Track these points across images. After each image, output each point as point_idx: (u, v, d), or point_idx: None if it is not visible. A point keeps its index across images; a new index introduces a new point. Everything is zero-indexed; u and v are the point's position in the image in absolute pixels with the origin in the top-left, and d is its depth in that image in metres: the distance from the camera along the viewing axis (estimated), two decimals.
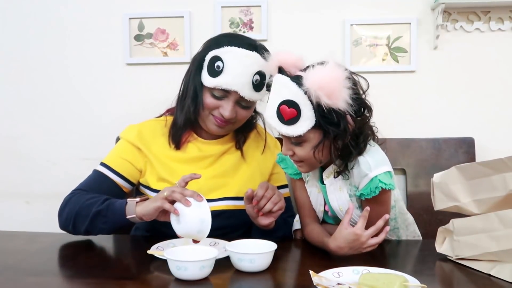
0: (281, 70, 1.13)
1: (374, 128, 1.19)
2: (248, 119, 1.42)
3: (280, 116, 1.11)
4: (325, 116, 1.08)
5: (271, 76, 1.18)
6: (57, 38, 1.85)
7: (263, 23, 1.77)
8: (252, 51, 1.30)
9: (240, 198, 1.36)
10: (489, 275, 1.03)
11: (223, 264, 1.07)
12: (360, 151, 1.15)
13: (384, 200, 1.18)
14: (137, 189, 1.44)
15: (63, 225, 1.30)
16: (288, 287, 1.04)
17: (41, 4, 1.85)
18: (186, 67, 1.40)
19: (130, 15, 1.81)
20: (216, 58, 1.29)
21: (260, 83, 1.31)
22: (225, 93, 1.31)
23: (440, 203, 1.14)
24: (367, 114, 1.16)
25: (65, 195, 1.33)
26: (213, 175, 1.38)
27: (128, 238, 1.42)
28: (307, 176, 1.29)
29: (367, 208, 1.11)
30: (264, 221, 1.25)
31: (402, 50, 1.75)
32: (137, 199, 1.21)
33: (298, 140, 1.13)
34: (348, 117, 1.10)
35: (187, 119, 1.35)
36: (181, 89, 1.38)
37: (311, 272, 0.95)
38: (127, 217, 1.20)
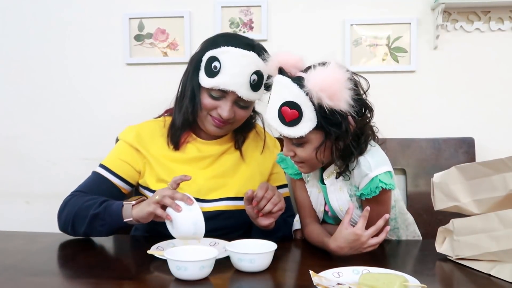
0: (281, 71, 1.12)
1: (374, 128, 1.19)
2: (247, 119, 1.42)
3: (282, 117, 1.11)
4: (327, 117, 1.08)
5: (270, 76, 1.18)
6: (57, 38, 1.85)
7: (263, 23, 1.77)
8: (249, 50, 1.29)
9: (240, 198, 1.36)
10: (489, 275, 1.03)
11: (223, 264, 1.07)
12: (361, 151, 1.15)
13: (384, 200, 1.18)
14: (136, 190, 1.43)
15: (62, 227, 1.30)
16: (288, 287, 1.04)
17: (41, 4, 1.85)
18: (186, 67, 1.40)
19: (130, 15, 1.81)
20: (213, 59, 1.29)
21: (258, 82, 1.31)
22: (222, 94, 1.31)
23: (440, 203, 1.14)
24: (368, 115, 1.16)
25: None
26: (213, 175, 1.38)
27: (128, 238, 1.42)
28: (307, 176, 1.29)
29: (367, 208, 1.11)
30: (264, 221, 1.25)
31: (402, 50, 1.75)
32: (133, 202, 1.21)
33: (300, 141, 1.13)
34: (350, 118, 1.10)
35: (185, 120, 1.35)
36: (179, 89, 1.38)
37: (311, 272, 0.95)
38: (124, 220, 1.20)
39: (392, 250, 1.28)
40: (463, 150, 1.69)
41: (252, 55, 1.29)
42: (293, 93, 1.09)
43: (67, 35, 1.85)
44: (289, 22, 1.77)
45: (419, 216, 1.55)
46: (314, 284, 0.91)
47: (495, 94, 1.73)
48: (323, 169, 1.24)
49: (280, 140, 1.36)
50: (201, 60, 1.32)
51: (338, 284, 0.94)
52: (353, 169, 1.16)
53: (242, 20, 1.78)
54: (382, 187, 1.12)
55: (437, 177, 1.14)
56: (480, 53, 1.73)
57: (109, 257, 1.27)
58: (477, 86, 1.74)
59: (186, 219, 1.11)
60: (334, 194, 1.23)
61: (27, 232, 1.45)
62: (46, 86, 1.87)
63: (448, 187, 1.11)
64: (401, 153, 1.71)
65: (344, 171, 1.18)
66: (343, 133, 1.10)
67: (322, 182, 1.25)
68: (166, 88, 1.43)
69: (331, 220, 1.32)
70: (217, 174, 1.39)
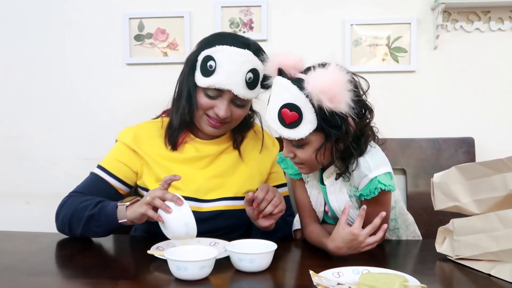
0: (281, 72, 1.12)
1: (374, 128, 1.19)
2: (245, 118, 1.42)
3: (282, 119, 1.11)
4: (327, 119, 1.08)
5: (269, 77, 1.18)
6: (57, 38, 1.85)
7: (263, 23, 1.77)
8: (245, 49, 1.29)
9: (239, 198, 1.36)
10: (489, 275, 1.03)
11: (223, 264, 1.07)
12: (361, 152, 1.15)
13: (384, 201, 1.18)
14: (135, 191, 1.43)
15: (60, 228, 1.30)
16: (288, 287, 1.04)
17: (41, 4, 1.85)
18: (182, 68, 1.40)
19: (130, 15, 1.81)
20: (209, 58, 1.29)
21: (254, 81, 1.31)
22: (219, 93, 1.30)
23: (440, 203, 1.14)
24: (368, 116, 1.16)
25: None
26: (211, 175, 1.38)
27: (127, 238, 1.42)
28: (307, 176, 1.29)
29: (364, 207, 1.11)
30: (265, 223, 1.25)
31: (402, 50, 1.75)
32: (127, 203, 1.20)
33: (300, 143, 1.13)
34: (350, 119, 1.10)
35: (182, 120, 1.35)
36: (176, 90, 1.38)
37: (311, 272, 0.95)
38: (119, 221, 1.20)
39: (392, 250, 1.28)
40: (463, 150, 1.69)
41: (247, 53, 1.29)
42: (293, 95, 1.08)
43: (67, 35, 1.85)
44: (289, 22, 1.77)
45: (419, 216, 1.55)
46: (314, 284, 0.91)
47: (495, 94, 1.73)
48: (323, 169, 1.24)
49: (279, 139, 1.36)
50: (196, 60, 1.32)
51: (338, 284, 0.94)
52: (353, 171, 1.16)
53: (242, 20, 1.78)
54: (381, 188, 1.12)
55: (437, 177, 1.14)
56: (480, 53, 1.73)
57: (109, 257, 1.27)
58: (477, 86, 1.74)
59: (177, 220, 1.11)
60: (334, 194, 1.23)
61: (27, 232, 1.45)
62: (46, 86, 1.87)
63: (448, 187, 1.11)
64: (401, 153, 1.71)
65: (343, 172, 1.17)
66: (343, 135, 1.10)
67: (322, 182, 1.25)
68: (166, 88, 1.43)
69: (331, 220, 1.32)
70: (215, 174, 1.38)
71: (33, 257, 1.18)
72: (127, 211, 1.19)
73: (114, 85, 1.85)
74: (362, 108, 1.13)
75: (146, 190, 1.37)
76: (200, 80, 1.30)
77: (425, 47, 1.74)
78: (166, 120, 1.42)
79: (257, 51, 1.32)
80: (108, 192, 1.34)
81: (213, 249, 1.07)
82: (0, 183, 1.91)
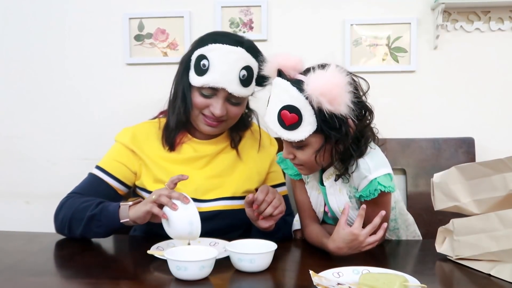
0: (280, 73, 1.12)
1: (374, 129, 1.19)
2: (242, 117, 1.42)
3: (281, 121, 1.10)
4: (327, 121, 1.08)
5: (267, 78, 1.18)
6: (57, 38, 1.85)
7: (263, 23, 1.77)
8: (237, 46, 1.29)
9: (237, 198, 1.36)
10: (489, 275, 1.03)
11: (223, 264, 1.07)
12: (361, 154, 1.15)
13: (384, 202, 1.17)
14: (134, 192, 1.43)
15: (59, 228, 1.30)
16: (288, 287, 1.04)
17: (41, 4, 1.85)
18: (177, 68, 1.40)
19: (130, 15, 1.81)
20: (202, 57, 1.29)
21: (248, 78, 1.31)
22: (213, 91, 1.30)
23: (440, 203, 1.14)
24: (369, 117, 1.16)
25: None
26: (210, 175, 1.38)
27: (127, 238, 1.42)
28: (307, 177, 1.29)
29: (363, 206, 1.11)
30: (264, 224, 1.25)
31: (402, 50, 1.75)
32: (130, 203, 1.20)
33: (300, 144, 1.13)
34: (350, 121, 1.10)
35: (178, 120, 1.35)
36: (172, 91, 1.38)
37: (311, 272, 0.95)
38: (121, 221, 1.20)
39: (392, 250, 1.28)
40: (463, 150, 1.69)
41: (240, 50, 1.29)
42: (292, 96, 1.08)
43: (67, 35, 1.85)
44: (289, 22, 1.77)
45: (419, 216, 1.55)
46: (314, 284, 0.91)
47: (495, 94, 1.73)
48: (322, 170, 1.24)
49: (278, 139, 1.36)
50: (190, 60, 1.32)
51: (338, 284, 0.94)
52: (352, 172, 1.16)
53: (242, 20, 1.78)
54: (380, 190, 1.12)
55: (437, 177, 1.14)
56: (480, 53, 1.73)
57: (108, 257, 1.27)
58: (477, 86, 1.74)
59: (182, 218, 1.10)
60: (334, 195, 1.23)
61: (27, 232, 1.45)
62: (46, 86, 1.87)
63: (448, 187, 1.11)
64: (401, 153, 1.71)
65: (343, 174, 1.17)
66: (343, 137, 1.10)
67: (322, 183, 1.25)
68: (166, 88, 1.43)
69: (331, 221, 1.32)
70: (214, 174, 1.38)
71: (33, 257, 1.18)
72: (130, 211, 1.19)
73: (114, 85, 1.85)
74: (362, 110, 1.13)
75: (145, 190, 1.37)
76: (194, 79, 1.30)
77: (425, 47, 1.74)
78: (163, 120, 1.41)
79: (251, 48, 1.32)
80: (107, 193, 1.34)
81: (213, 249, 1.07)
82: (0, 183, 1.90)
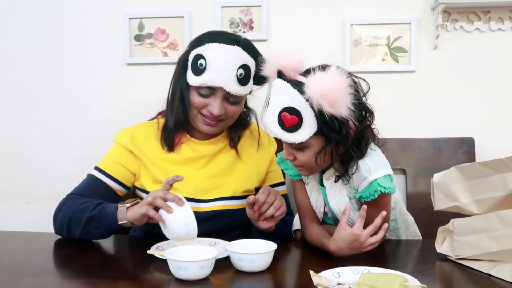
0: (280, 74, 1.12)
1: (374, 130, 1.18)
2: (241, 116, 1.42)
3: (281, 123, 1.10)
4: (327, 123, 1.07)
5: (266, 78, 1.17)
6: (57, 38, 1.85)
7: (263, 23, 1.77)
8: (234, 45, 1.29)
9: (237, 198, 1.36)
10: (489, 275, 1.03)
11: (223, 264, 1.07)
12: (361, 155, 1.14)
13: (384, 203, 1.17)
14: (133, 193, 1.43)
15: (58, 230, 1.30)
16: (288, 287, 1.04)
17: (41, 4, 1.85)
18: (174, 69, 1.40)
19: (130, 15, 1.81)
20: (199, 56, 1.29)
21: (245, 76, 1.31)
22: (211, 91, 1.30)
23: (440, 203, 1.14)
24: (369, 119, 1.15)
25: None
26: (209, 175, 1.38)
27: (127, 238, 1.42)
28: (307, 178, 1.29)
29: (364, 207, 1.11)
30: (265, 225, 1.25)
31: (402, 50, 1.75)
32: (128, 205, 1.20)
33: (300, 146, 1.13)
34: (350, 122, 1.10)
35: (177, 120, 1.35)
36: (169, 91, 1.38)
37: (311, 272, 0.95)
38: (119, 223, 1.19)
39: (392, 250, 1.28)
40: (463, 150, 1.69)
41: (237, 49, 1.29)
42: (293, 98, 1.08)
43: (67, 35, 1.85)
44: (289, 22, 1.77)
45: (419, 216, 1.55)
46: (314, 284, 0.91)
47: (495, 94, 1.74)
48: (322, 171, 1.24)
49: (278, 140, 1.35)
50: (187, 60, 1.32)
51: (338, 284, 0.94)
52: (352, 174, 1.16)
53: (242, 20, 1.78)
54: (381, 191, 1.12)
55: (437, 177, 1.14)
56: (480, 53, 1.73)
57: (109, 257, 1.26)
58: (477, 86, 1.74)
59: (178, 220, 1.11)
60: (334, 196, 1.23)
61: (27, 232, 1.45)
62: (46, 86, 1.87)
63: (448, 187, 1.11)
64: (401, 153, 1.71)
65: (343, 175, 1.17)
66: (344, 138, 1.10)
67: (322, 184, 1.25)
68: (166, 88, 1.42)
69: (331, 221, 1.31)
70: (213, 174, 1.38)
71: (33, 257, 1.18)
72: (128, 213, 1.19)
73: (114, 85, 1.85)
74: (362, 111, 1.13)
75: (144, 191, 1.36)
76: (192, 79, 1.30)
77: (425, 47, 1.74)
78: (161, 121, 1.41)
79: (247, 47, 1.32)
80: (106, 194, 1.34)
81: (213, 249, 1.07)
82: (0, 183, 1.91)
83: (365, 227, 1.11)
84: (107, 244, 1.30)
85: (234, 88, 1.29)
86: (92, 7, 1.83)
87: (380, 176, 1.13)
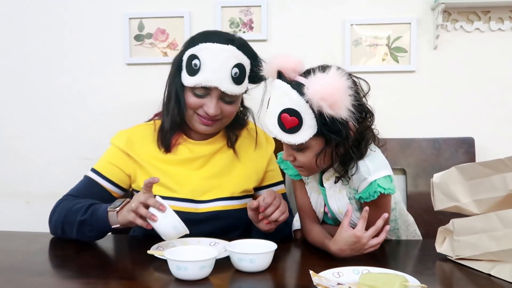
0: (280, 75, 1.12)
1: (374, 130, 1.18)
2: (238, 116, 1.42)
3: (281, 124, 1.10)
4: (327, 125, 1.07)
5: (262, 76, 1.17)
6: (57, 38, 1.85)
7: (263, 23, 1.77)
8: (228, 44, 1.29)
9: (236, 198, 1.36)
10: (489, 275, 1.03)
11: (223, 264, 1.07)
12: (361, 156, 1.14)
13: (384, 203, 1.17)
14: (132, 195, 1.43)
15: (53, 231, 1.31)
16: (288, 287, 1.04)
17: (41, 4, 1.85)
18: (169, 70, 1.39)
19: (130, 15, 1.81)
20: (193, 57, 1.29)
21: (240, 76, 1.30)
22: (206, 91, 1.30)
23: (440, 203, 1.14)
24: (369, 119, 1.15)
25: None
26: (207, 176, 1.37)
27: (127, 238, 1.42)
28: (307, 178, 1.29)
29: (366, 208, 1.11)
30: (267, 227, 1.24)
31: (402, 50, 1.75)
32: (117, 209, 1.19)
33: (300, 147, 1.12)
34: (350, 124, 1.09)
35: (173, 121, 1.35)
36: (165, 92, 1.38)
37: (311, 272, 0.95)
38: (112, 226, 1.19)
39: (392, 250, 1.28)
40: (463, 150, 1.69)
41: (231, 48, 1.29)
42: (292, 100, 1.08)
43: (67, 35, 1.85)
44: (289, 22, 1.77)
45: (419, 216, 1.55)
46: (314, 284, 0.91)
47: (495, 94, 1.74)
48: (322, 171, 1.24)
49: (277, 140, 1.35)
50: (182, 60, 1.32)
51: (338, 284, 0.94)
52: (352, 175, 1.16)
53: (242, 20, 1.78)
54: (380, 192, 1.12)
55: (437, 177, 1.14)
56: (480, 53, 1.73)
57: (109, 257, 1.27)
58: (477, 86, 1.74)
59: (164, 226, 1.12)
60: (333, 196, 1.23)
61: (27, 232, 1.45)
62: (46, 86, 1.87)
63: (448, 187, 1.11)
64: (401, 153, 1.71)
65: (342, 176, 1.17)
66: (344, 139, 1.10)
67: (322, 184, 1.25)
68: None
69: (331, 221, 1.31)
70: (211, 174, 1.38)
71: (33, 257, 1.18)
72: (118, 217, 1.18)
73: (114, 85, 1.85)
74: (362, 112, 1.13)
75: None
76: (187, 79, 1.30)
77: (425, 47, 1.74)
78: (158, 122, 1.41)
79: (242, 46, 1.31)
80: (102, 195, 1.34)
81: (213, 249, 1.07)
82: (0, 183, 1.91)
83: (365, 228, 1.11)
84: (107, 244, 1.30)
85: (229, 87, 1.29)
86: (92, 7, 1.83)
87: (380, 177, 1.13)
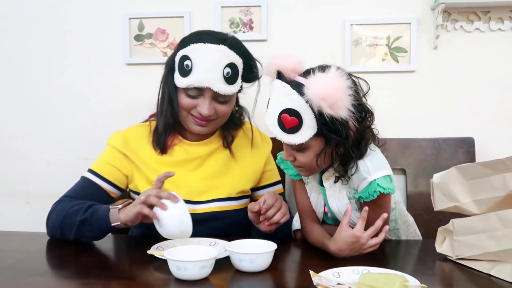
0: (280, 75, 1.12)
1: (374, 130, 1.18)
2: (234, 116, 1.41)
3: (281, 124, 1.10)
4: (327, 124, 1.07)
5: (255, 75, 1.17)
6: (57, 38, 1.85)
7: (263, 23, 1.77)
8: (219, 44, 1.28)
9: (233, 199, 1.36)
10: (489, 275, 1.03)
11: (223, 264, 1.07)
12: (361, 155, 1.14)
13: (384, 203, 1.17)
14: (128, 195, 1.43)
15: (50, 233, 1.30)
16: (288, 287, 1.04)
17: (41, 4, 1.85)
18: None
19: (130, 15, 1.81)
20: (184, 58, 1.29)
21: (232, 75, 1.30)
22: (199, 91, 1.30)
23: (440, 204, 1.14)
24: (369, 119, 1.15)
25: None
26: (203, 176, 1.37)
27: (127, 238, 1.42)
28: (307, 178, 1.29)
29: (366, 208, 1.11)
30: (267, 228, 1.24)
31: (402, 50, 1.75)
32: (120, 206, 1.19)
33: (300, 147, 1.13)
34: (350, 123, 1.10)
35: (167, 123, 1.35)
36: (159, 94, 1.38)
37: (311, 272, 0.95)
38: (112, 224, 1.19)
39: (392, 250, 1.28)
40: (463, 150, 1.69)
41: (222, 48, 1.28)
42: (292, 100, 1.08)
43: (67, 35, 1.85)
44: (289, 22, 1.77)
45: (419, 216, 1.55)
46: (314, 284, 0.91)
47: (495, 94, 1.74)
48: (322, 171, 1.24)
49: (275, 139, 1.35)
50: (174, 62, 1.32)
51: (338, 284, 0.94)
52: (352, 174, 1.16)
53: (242, 20, 1.78)
54: (380, 191, 1.12)
55: (437, 177, 1.14)
56: (480, 53, 1.73)
57: (109, 257, 1.27)
58: (477, 86, 1.74)
59: (173, 217, 1.10)
60: (333, 196, 1.23)
61: (27, 232, 1.45)
62: (46, 86, 1.87)
63: (448, 187, 1.11)
64: (401, 153, 1.71)
65: (342, 176, 1.17)
66: (344, 139, 1.10)
67: (322, 184, 1.25)
68: None
69: (331, 221, 1.31)
70: (207, 175, 1.37)
71: (32, 257, 1.18)
72: (120, 214, 1.18)
73: (114, 85, 1.85)
74: (362, 112, 1.13)
75: (138, 194, 1.35)
76: (179, 81, 1.30)
77: (425, 47, 1.74)
78: (153, 123, 1.40)
79: (234, 45, 1.31)
80: (99, 196, 1.33)
81: (213, 249, 1.07)
82: (0, 183, 1.91)
83: (365, 228, 1.11)
84: (107, 244, 1.30)
85: (222, 87, 1.28)
86: (92, 7, 1.83)
87: (380, 177, 1.13)
